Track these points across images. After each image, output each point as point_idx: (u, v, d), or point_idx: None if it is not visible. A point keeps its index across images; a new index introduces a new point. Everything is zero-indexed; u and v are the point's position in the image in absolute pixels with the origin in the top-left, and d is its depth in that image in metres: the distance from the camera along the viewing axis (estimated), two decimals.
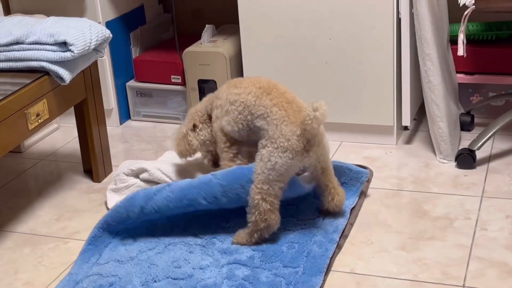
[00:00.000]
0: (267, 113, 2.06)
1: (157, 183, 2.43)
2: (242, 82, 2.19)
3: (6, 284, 2.06)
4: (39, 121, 2.30)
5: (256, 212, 2.04)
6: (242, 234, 2.11)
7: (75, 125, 2.67)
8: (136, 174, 2.43)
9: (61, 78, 2.32)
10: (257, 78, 2.17)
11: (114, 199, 2.40)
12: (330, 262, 2.03)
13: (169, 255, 2.09)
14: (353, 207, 2.28)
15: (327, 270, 1.99)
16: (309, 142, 2.00)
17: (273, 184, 2.03)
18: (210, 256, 2.07)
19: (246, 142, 2.21)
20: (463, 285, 1.91)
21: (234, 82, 2.21)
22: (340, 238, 2.14)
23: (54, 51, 2.29)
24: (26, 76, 2.30)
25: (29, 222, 2.39)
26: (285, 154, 1.99)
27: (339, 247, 2.10)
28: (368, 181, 2.47)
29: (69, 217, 2.41)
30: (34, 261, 2.16)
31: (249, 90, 2.12)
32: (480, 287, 1.90)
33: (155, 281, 1.97)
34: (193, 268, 2.02)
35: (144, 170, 2.42)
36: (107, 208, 2.40)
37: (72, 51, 2.28)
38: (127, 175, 2.43)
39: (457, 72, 2.83)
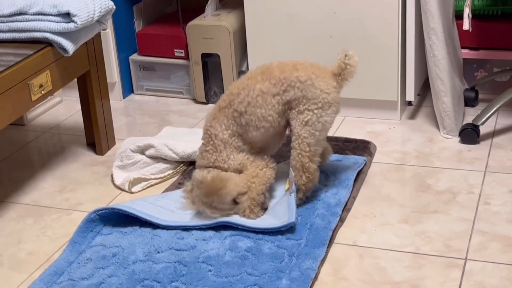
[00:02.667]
0: (295, 81, 2.05)
1: (163, 159, 2.43)
2: (249, 77, 2.12)
3: (10, 254, 2.07)
4: (42, 92, 2.29)
5: (304, 176, 2.08)
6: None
7: (78, 99, 2.67)
8: (142, 150, 2.43)
9: (64, 49, 2.31)
10: (258, 68, 2.13)
11: (120, 176, 2.40)
12: (332, 234, 2.03)
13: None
14: (355, 180, 2.28)
15: (329, 242, 2.00)
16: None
17: (320, 144, 2.08)
18: (212, 228, 2.07)
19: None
20: (466, 258, 1.91)
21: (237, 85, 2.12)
22: (342, 211, 2.14)
23: (57, 22, 2.28)
24: (29, 47, 2.29)
25: (32, 193, 2.39)
26: (330, 110, 2.05)
27: (341, 220, 2.11)
28: (372, 155, 2.47)
29: (72, 189, 2.41)
30: (38, 231, 2.17)
31: (260, 77, 2.09)
32: (482, 260, 1.90)
33: (158, 252, 1.98)
34: (196, 240, 2.02)
35: (150, 146, 2.41)
36: (114, 185, 2.40)
37: (76, 22, 2.27)
38: (133, 151, 2.42)
39: (462, 47, 2.82)
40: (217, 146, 2.09)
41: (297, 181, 2.09)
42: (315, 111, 2.04)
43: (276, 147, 2.20)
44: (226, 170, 2.09)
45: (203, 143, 2.13)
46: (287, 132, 2.16)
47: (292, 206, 2.05)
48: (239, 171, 2.10)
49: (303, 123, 2.04)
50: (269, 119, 2.06)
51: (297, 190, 2.09)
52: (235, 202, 2.09)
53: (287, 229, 2.01)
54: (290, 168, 2.11)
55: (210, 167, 2.10)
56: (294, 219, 2.00)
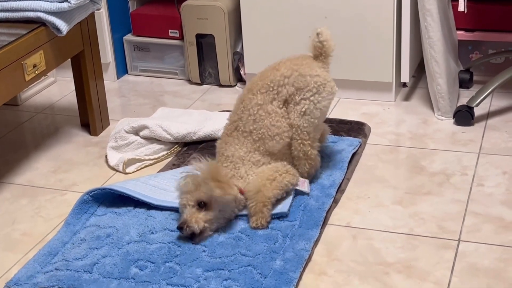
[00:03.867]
0: (281, 79, 2.05)
1: (157, 140, 2.42)
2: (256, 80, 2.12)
3: (4, 234, 2.07)
4: (36, 72, 2.28)
5: (307, 163, 2.09)
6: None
7: (72, 79, 2.66)
8: (136, 131, 2.42)
9: (58, 29, 2.29)
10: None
11: (115, 157, 2.40)
12: (326, 215, 2.03)
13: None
14: (350, 162, 2.28)
15: (323, 223, 2.00)
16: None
17: (318, 129, 2.09)
18: None
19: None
20: (459, 239, 1.92)
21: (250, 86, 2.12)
22: (336, 192, 2.14)
23: (51, 2, 2.26)
24: (23, 27, 2.27)
25: (26, 174, 2.39)
26: (325, 92, 2.06)
27: (335, 201, 2.11)
28: (366, 137, 2.47)
29: (66, 169, 2.41)
30: (32, 212, 2.17)
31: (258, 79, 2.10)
32: (475, 241, 1.91)
33: (152, 233, 1.98)
34: None
35: (144, 127, 2.41)
36: (108, 166, 2.39)
37: (69, 2, 2.25)
38: (127, 132, 2.42)
39: (457, 28, 2.81)
40: (235, 163, 2.05)
41: (300, 169, 2.10)
42: (311, 98, 2.04)
43: None
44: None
45: (222, 162, 2.07)
46: None
47: (289, 199, 2.05)
48: None
49: (301, 113, 2.05)
50: (278, 125, 2.05)
51: (301, 175, 2.10)
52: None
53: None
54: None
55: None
56: (286, 210, 2.01)
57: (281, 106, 2.07)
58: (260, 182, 1.99)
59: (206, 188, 1.90)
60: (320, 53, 2.09)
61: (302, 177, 2.12)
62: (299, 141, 2.07)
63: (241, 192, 2.01)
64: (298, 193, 2.10)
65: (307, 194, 2.09)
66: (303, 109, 2.05)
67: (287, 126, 2.07)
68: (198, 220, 1.90)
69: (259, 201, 1.96)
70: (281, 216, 2.01)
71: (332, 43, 2.08)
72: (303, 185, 2.11)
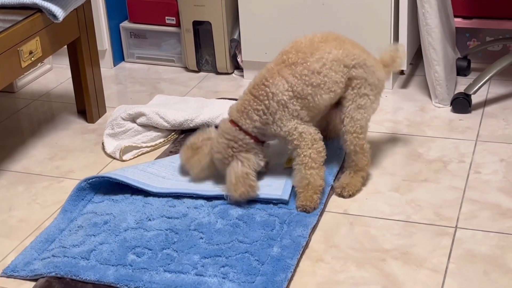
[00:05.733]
0: (363, 62, 2.04)
1: (154, 127, 2.42)
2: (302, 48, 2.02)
3: (1, 221, 2.06)
4: (32, 59, 2.27)
5: (365, 157, 2.08)
6: (355, 183, 2.08)
7: (69, 66, 2.65)
8: (133, 118, 2.42)
9: (54, 16, 2.28)
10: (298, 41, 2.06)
11: (112, 144, 2.39)
12: (324, 203, 2.03)
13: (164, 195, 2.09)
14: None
15: (320, 210, 2.00)
16: None
17: (368, 124, 2.09)
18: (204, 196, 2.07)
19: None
20: (456, 226, 1.93)
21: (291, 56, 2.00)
22: (334, 180, 2.14)
23: None
24: (18, 13, 2.26)
25: (22, 161, 2.38)
26: (379, 98, 2.10)
27: (333, 189, 2.11)
28: None
29: (63, 156, 2.40)
30: (28, 199, 2.17)
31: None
32: (472, 228, 1.91)
33: (149, 220, 1.98)
34: (187, 208, 2.02)
35: (141, 114, 2.40)
36: (105, 153, 2.39)
37: None
38: (124, 119, 2.41)
39: (455, 16, 2.81)
40: (271, 108, 1.96)
41: (360, 163, 2.07)
42: (371, 97, 2.06)
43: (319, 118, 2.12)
44: (264, 134, 2.00)
45: (254, 99, 1.96)
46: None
47: (288, 185, 2.05)
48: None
49: (359, 106, 2.04)
50: (340, 85, 2.02)
51: (358, 170, 2.07)
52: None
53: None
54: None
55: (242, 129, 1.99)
56: (287, 197, 2.01)
57: (345, 76, 2.01)
58: (305, 173, 1.98)
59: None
60: (388, 65, 2.15)
61: (362, 170, 2.09)
62: (354, 134, 2.04)
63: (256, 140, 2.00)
64: None
65: None
66: (362, 103, 2.04)
67: (342, 90, 2.02)
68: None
69: (311, 190, 1.99)
70: (278, 202, 2.01)
71: (403, 64, 2.16)
72: None
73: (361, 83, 2.04)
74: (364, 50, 2.08)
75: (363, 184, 2.11)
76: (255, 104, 1.97)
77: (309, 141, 1.98)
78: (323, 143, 2.02)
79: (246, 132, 1.99)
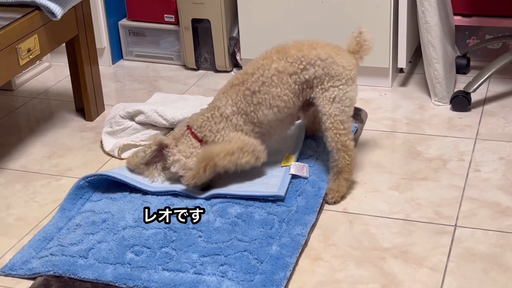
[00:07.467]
0: (315, 59, 2.02)
1: (153, 125, 2.41)
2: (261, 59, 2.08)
3: None
4: (30, 56, 2.26)
5: (346, 155, 2.02)
6: (342, 184, 2.04)
7: (67, 64, 2.64)
8: (131, 116, 2.41)
9: (52, 13, 2.27)
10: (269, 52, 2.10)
11: (110, 142, 2.38)
12: (323, 201, 2.03)
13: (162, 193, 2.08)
14: None
15: (319, 208, 2.00)
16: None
17: (350, 121, 2.04)
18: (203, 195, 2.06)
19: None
20: (455, 225, 1.92)
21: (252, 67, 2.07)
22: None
23: None
24: (17, 11, 2.25)
25: (20, 159, 2.37)
26: (353, 86, 2.04)
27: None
28: (363, 122, 2.46)
29: (61, 154, 2.39)
30: (26, 197, 2.16)
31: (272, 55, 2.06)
32: (472, 227, 1.91)
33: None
34: (186, 206, 2.02)
35: (140, 112, 2.39)
36: (104, 151, 2.38)
37: None
38: (122, 117, 2.40)
39: (454, 14, 2.80)
40: (215, 117, 2.06)
41: (340, 163, 2.03)
42: (340, 87, 2.02)
43: (282, 132, 2.14)
44: (207, 141, 2.06)
45: (207, 108, 2.10)
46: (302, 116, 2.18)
47: (285, 183, 2.05)
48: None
49: (331, 100, 2.01)
50: (284, 99, 2.02)
51: (340, 172, 2.04)
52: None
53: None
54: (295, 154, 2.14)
55: (192, 130, 2.08)
56: (283, 193, 2.01)
57: (297, 82, 2.02)
58: (218, 149, 1.99)
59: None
60: (357, 51, 2.08)
61: (343, 171, 2.04)
62: (335, 131, 2.02)
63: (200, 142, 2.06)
64: (295, 177, 2.09)
65: (306, 178, 2.09)
66: (333, 96, 2.01)
67: (291, 103, 2.03)
68: None
69: (203, 161, 1.97)
70: (277, 200, 2.00)
71: (372, 45, 2.08)
72: (302, 170, 2.11)
73: (322, 79, 2.02)
74: (313, 46, 2.05)
75: (348, 187, 2.06)
76: (206, 112, 2.09)
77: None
78: (259, 154, 2.04)
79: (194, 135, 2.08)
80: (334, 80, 2.01)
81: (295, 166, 2.11)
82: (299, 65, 2.02)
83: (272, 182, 2.07)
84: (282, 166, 2.14)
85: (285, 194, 2.01)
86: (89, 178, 2.10)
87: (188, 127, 2.09)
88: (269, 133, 2.10)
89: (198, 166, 1.98)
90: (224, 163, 1.99)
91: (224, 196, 2.03)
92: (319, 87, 2.02)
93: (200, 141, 2.07)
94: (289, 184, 2.05)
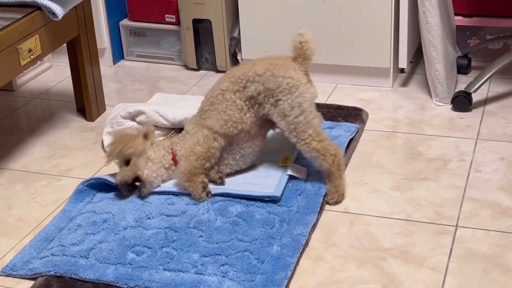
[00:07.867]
0: (253, 76, 2.03)
1: (154, 125, 2.41)
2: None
3: None
4: (31, 57, 2.26)
5: (327, 157, 2.01)
6: (337, 184, 2.03)
7: (68, 65, 2.64)
8: (132, 116, 2.41)
9: (54, 14, 2.27)
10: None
11: None
12: (323, 201, 2.03)
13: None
14: (347, 147, 2.28)
15: (320, 209, 2.00)
16: (307, 72, 2.05)
17: (314, 123, 2.01)
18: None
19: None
20: (456, 225, 1.92)
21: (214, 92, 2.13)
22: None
23: None
24: (18, 11, 2.25)
25: (21, 159, 2.37)
26: (298, 92, 1.99)
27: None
28: (364, 122, 2.46)
29: (62, 155, 2.39)
30: (27, 197, 2.16)
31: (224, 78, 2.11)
32: (472, 227, 1.90)
33: (148, 218, 1.97)
34: (186, 205, 2.02)
35: (141, 113, 2.39)
36: (105, 151, 2.38)
37: None
38: (124, 117, 2.40)
39: (455, 14, 2.80)
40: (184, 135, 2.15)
41: (325, 167, 2.02)
42: (284, 98, 2.00)
43: (251, 149, 2.12)
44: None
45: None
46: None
47: (282, 183, 2.05)
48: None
49: (282, 115, 2.01)
50: (229, 113, 2.04)
51: (330, 174, 2.03)
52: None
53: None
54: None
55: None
56: (279, 194, 2.01)
57: (244, 99, 2.05)
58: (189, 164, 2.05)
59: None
60: (300, 55, 2.03)
61: (331, 172, 2.03)
62: (301, 142, 2.01)
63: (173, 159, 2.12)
64: (294, 177, 2.10)
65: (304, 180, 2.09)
66: (281, 110, 2.00)
67: (238, 118, 2.05)
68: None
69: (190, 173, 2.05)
70: (275, 200, 2.00)
71: (312, 45, 2.02)
72: (301, 172, 2.11)
73: (265, 94, 2.02)
74: (254, 63, 2.06)
75: (345, 183, 2.05)
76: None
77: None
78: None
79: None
80: (276, 92, 2.01)
81: (293, 168, 2.11)
82: (240, 83, 2.05)
83: (269, 182, 2.07)
84: (280, 166, 2.14)
85: (281, 195, 2.01)
86: (87, 183, 2.10)
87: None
88: (235, 150, 2.10)
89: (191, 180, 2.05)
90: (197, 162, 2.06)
91: (221, 195, 2.03)
92: (268, 103, 2.03)
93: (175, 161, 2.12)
94: (286, 185, 2.05)
